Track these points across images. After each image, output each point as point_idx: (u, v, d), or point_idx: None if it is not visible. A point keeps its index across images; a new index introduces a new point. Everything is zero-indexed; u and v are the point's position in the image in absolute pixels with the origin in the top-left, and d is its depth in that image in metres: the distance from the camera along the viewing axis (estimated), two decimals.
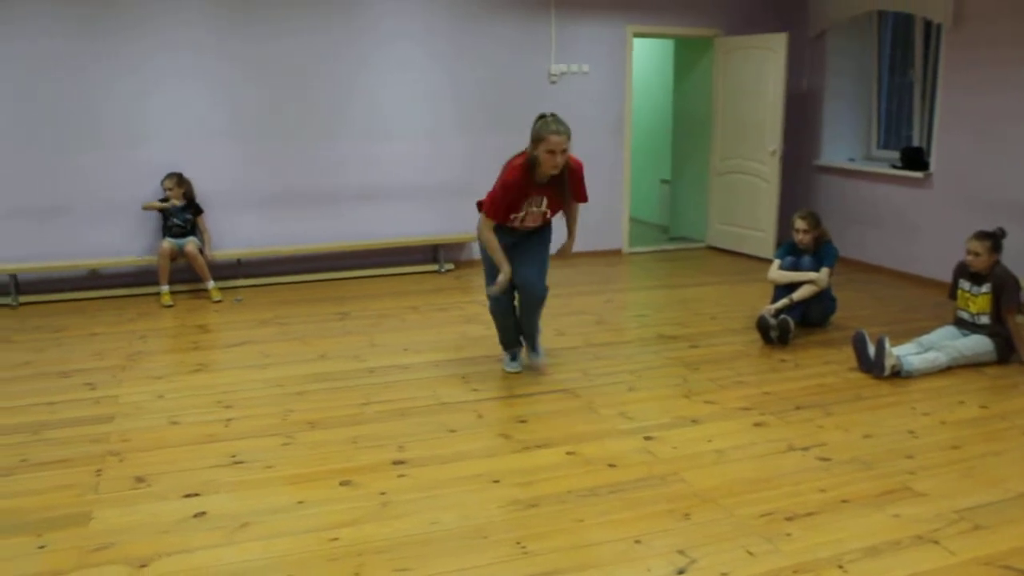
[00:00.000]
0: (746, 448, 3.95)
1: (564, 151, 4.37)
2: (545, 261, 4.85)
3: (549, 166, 4.41)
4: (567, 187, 4.63)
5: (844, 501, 3.42)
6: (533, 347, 5.10)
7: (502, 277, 4.62)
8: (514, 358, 5.08)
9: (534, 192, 4.57)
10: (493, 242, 4.64)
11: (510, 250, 4.73)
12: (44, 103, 6.75)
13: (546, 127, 4.35)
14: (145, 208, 6.93)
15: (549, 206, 4.67)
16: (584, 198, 4.79)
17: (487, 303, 4.91)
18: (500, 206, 4.56)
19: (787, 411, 4.41)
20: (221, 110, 7.18)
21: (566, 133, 4.35)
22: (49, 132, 6.80)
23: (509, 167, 4.56)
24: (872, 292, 7.08)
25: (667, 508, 3.36)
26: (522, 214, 4.64)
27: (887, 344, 4.90)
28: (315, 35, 7.30)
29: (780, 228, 8.28)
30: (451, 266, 7.94)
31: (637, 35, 8.36)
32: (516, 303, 4.95)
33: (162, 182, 6.88)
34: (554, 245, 5.00)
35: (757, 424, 4.24)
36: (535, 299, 4.81)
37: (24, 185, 6.81)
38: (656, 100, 10.33)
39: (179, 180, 6.89)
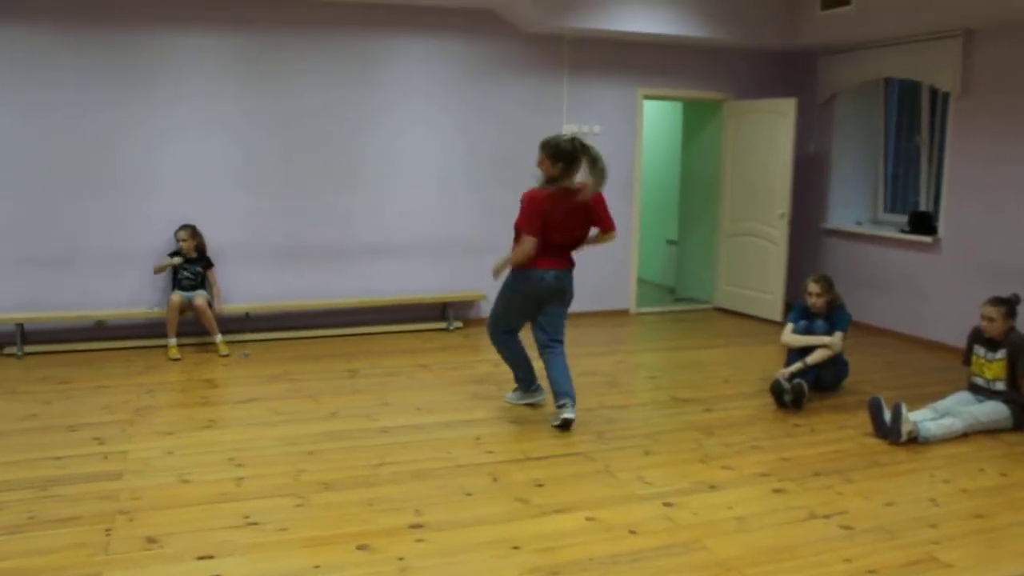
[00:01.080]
0: (767, 515, 3.89)
1: None
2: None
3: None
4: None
5: (871, 572, 3.35)
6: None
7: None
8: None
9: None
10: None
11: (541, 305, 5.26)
12: (55, 151, 6.78)
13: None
14: (157, 271, 6.93)
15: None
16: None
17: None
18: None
19: (806, 477, 4.36)
20: (233, 163, 7.22)
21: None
22: (59, 180, 6.82)
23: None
24: (882, 356, 7.06)
25: None
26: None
27: (904, 410, 4.87)
28: (330, 90, 7.37)
29: (788, 291, 8.29)
30: (459, 324, 7.91)
31: (647, 98, 8.45)
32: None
33: (176, 233, 6.88)
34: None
35: (776, 490, 4.18)
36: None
37: (32, 233, 6.81)
38: (663, 161, 10.41)
39: (193, 232, 6.89)
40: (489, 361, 6.65)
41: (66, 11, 6.66)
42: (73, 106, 6.77)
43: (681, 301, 9.40)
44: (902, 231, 7.69)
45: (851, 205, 8.58)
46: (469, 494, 4.07)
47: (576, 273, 8.27)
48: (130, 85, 6.88)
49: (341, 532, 3.65)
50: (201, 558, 3.41)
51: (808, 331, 5.79)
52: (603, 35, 7.83)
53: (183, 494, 4.05)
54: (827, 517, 3.88)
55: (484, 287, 7.96)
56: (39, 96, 6.68)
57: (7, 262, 6.78)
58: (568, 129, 8.09)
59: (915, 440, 4.87)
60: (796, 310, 5.97)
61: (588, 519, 3.81)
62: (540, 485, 4.19)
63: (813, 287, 5.85)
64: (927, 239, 7.35)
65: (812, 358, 5.68)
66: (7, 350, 6.74)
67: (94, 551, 3.46)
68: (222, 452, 4.62)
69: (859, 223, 8.49)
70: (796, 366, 5.67)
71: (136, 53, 6.85)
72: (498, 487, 4.16)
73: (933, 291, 7.38)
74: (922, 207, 7.91)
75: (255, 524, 3.73)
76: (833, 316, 5.81)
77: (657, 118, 10.43)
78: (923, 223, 7.51)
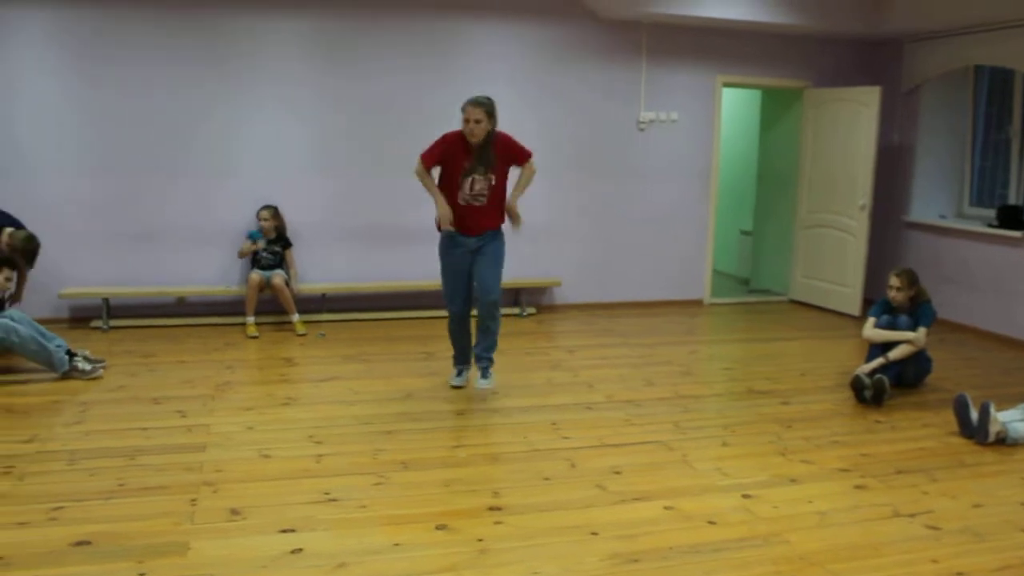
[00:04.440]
0: (849, 512, 3.81)
1: (477, 120, 4.99)
2: (499, 267, 5.31)
3: (467, 133, 5.05)
4: (498, 155, 5.16)
5: (960, 574, 3.27)
6: (483, 373, 5.37)
7: (440, 216, 5.10)
8: (460, 374, 5.59)
9: (471, 156, 5.10)
10: (424, 175, 5.19)
11: (472, 261, 5.27)
12: (139, 130, 6.95)
13: (466, 102, 5.05)
14: (242, 255, 7.08)
15: (493, 173, 5.17)
16: (526, 155, 5.29)
17: (448, 320, 5.50)
18: (431, 148, 5.16)
19: (888, 475, 4.26)
20: (312, 145, 7.31)
21: (482, 105, 5.01)
22: (143, 160, 6.99)
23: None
24: (964, 354, 6.87)
25: (773, 570, 3.25)
26: (469, 178, 5.12)
27: (992, 409, 4.73)
28: (409, 75, 7.41)
29: (868, 284, 8.12)
30: (532, 310, 7.91)
31: (727, 85, 8.32)
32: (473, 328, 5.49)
33: (258, 213, 7.01)
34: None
35: (858, 487, 4.10)
36: (488, 304, 5.21)
37: (119, 211, 7.00)
38: (738, 150, 10.25)
39: (275, 213, 7.01)
40: (563, 348, 6.65)
41: None
42: (156, 86, 6.92)
43: (756, 293, 9.27)
44: (989, 225, 7.46)
45: (934, 198, 8.35)
46: (547, 479, 4.07)
47: (650, 262, 8.30)
48: (212, 66, 7.00)
49: (420, 512, 3.68)
50: (283, 531, 3.47)
51: (891, 326, 5.66)
52: (682, 21, 7.72)
53: (265, 469, 4.13)
54: (912, 516, 3.79)
55: (558, 273, 7.95)
56: (124, 76, 6.84)
57: (96, 239, 6.97)
58: (646, 116, 8.03)
59: (1003, 441, 4.73)
60: (878, 304, 5.84)
61: (667, 508, 3.78)
62: (618, 472, 4.17)
63: (894, 280, 5.71)
64: (1016, 234, 7.12)
65: (894, 353, 5.55)
66: (94, 323, 6.94)
67: (180, 520, 3.55)
68: (301, 429, 4.69)
69: (943, 216, 8.26)
70: (877, 361, 5.55)
71: (219, 35, 6.97)
72: (575, 473, 4.16)
73: (1022, 288, 7.14)
74: (1011, 201, 7.66)
75: (335, 500, 3.78)
76: (917, 311, 5.67)
77: (734, 106, 10.27)
78: (1012, 217, 7.27)
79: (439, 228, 5.23)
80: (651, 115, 8.06)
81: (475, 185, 5.15)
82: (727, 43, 8.19)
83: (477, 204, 5.19)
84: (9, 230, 5.94)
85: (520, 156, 5.28)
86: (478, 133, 5.03)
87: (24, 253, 5.92)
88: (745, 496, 3.94)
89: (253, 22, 7.02)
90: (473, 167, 5.12)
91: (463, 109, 5.04)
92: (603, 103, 7.94)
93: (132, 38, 6.80)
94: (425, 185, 5.22)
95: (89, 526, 3.47)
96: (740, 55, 8.26)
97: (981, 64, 7.58)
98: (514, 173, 5.30)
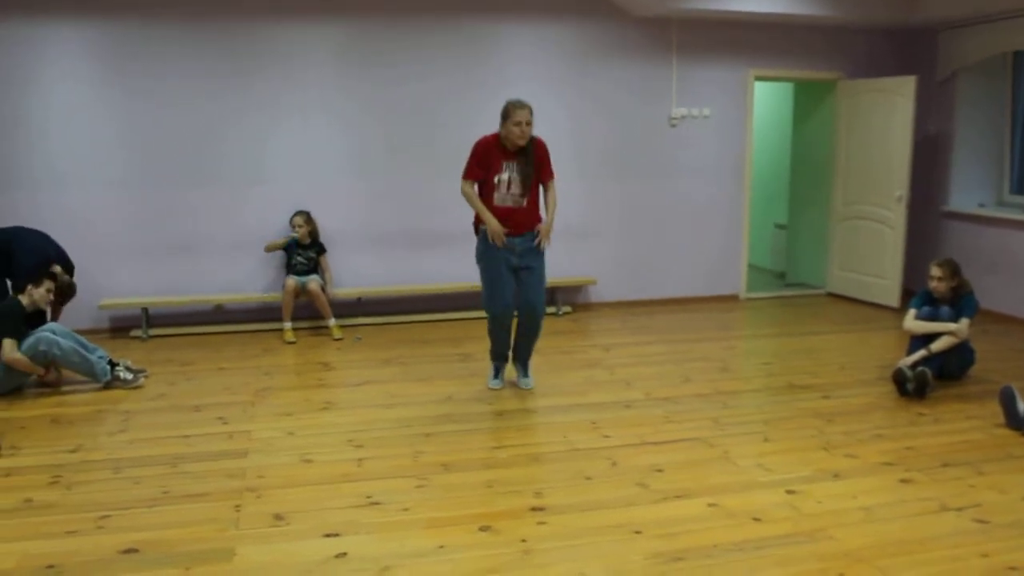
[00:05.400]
0: (895, 506, 3.76)
1: (528, 123, 5.07)
2: (544, 284, 5.40)
3: (516, 136, 5.08)
4: (536, 162, 5.22)
5: (1012, 568, 3.21)
6: (524, 372, 5.60)
7: (492, 233, 5.15)
8: (497, 374, 5.61)
9: (508, 157, 5.17)
10: (473, 195, 5.25)
11: (519, 267, 5.30)
12: (172, 139, 7.02)
13: (512, 105, 5.08)
14: (268, 249, 7.11)
15: (532, 172, 5.22)
16: (551, 173, 5.36)
17: (488, 319, 5.48)
18: (472, 165, 5.21)
19: (934, 468, 4.20)
20: (344, 150, 7.35)
21: (528, 108, 5.08)
22: (177, 168, 7.06)
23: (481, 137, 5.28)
24: (1008, 344, 6.76)
25: (819, 567, 3.21)
26: (506, 177, 5.16)
27: None
28: (439, 78, 7.42)
29: (906, 276, 8.01)
30: (568, 309, 7.90)
31: (759, 78, 8.25)
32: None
33: (291, 219, 7.06)
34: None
35: (903, 481, 4.04)
36: (534, 319, 5.37)
37: (155, 222, 7.08)
38: (772, 143, 10.16)
39: (308, 218, 7.06)
40: (600, 346, 6.62)
41: (179, 2, 6.86)
42: (189, 95, 6.99)
43: (792, 286, 9.18)
44: None
45: (973, 187, 8.23)
46: (588, 478, 4.06)
47: (685, 257, 8.25)
48: (244, 74, 7.06)
49: (463, 513, 3.68)
50: (327, 536, 3.49)
51: (932, 317, 5.58)
52: (712, 15, 7.66)
53: (306, 473, 4.15)
54: (960, 510, 3.73)
55: (593, 271, 7.94)
56: (156, 86, 6.92)
57: (133, 249, 7.06)
58: (678, 112, 7.98)
59: None
60: (919, 295, 5.76)
61: (710, 505, 3.75)
62: (659, 470, 4.15)
63: (936, 271, 5.63)
64: None
65: (937, 345, 5.47)
66: (133, 333, 7.02)
67: (225, 526, 3.58)
68: (341, 433, 4.71)
69: (982, 205, 8.14)
70: (920, 353, 5.48)
71: (250, 43, 7.02)
72: (617, 471, 4.14)
73: None
74: None
75: (377, 504, 3.79)
76: (959, 303, 5.59)
77: (767, 100, 10.19)
78: None
79: (476, 231, 5.28)
80: (683, 111, 8.01)
81: (512, 185, 5.17)
82: (758, 36, 8.13)
83: (516, 205, 5.22)
84: (59, 269, 5.99)
85: (548, 171, 5.34)
86: (528, 134, 5.11)
87: (60, 296, 5.96)
88: (789, 492, 3.90)
89: (284, 30, 7.07)
90: (512, 166, 5.16)
91: (509, 112, 5.06)
92: (635, 100, 7.91)
93: (164, 48, 6.88)
94: (472, 203, 5.25)
95: (136, 534, 3.51)
96: (772, 48, 8.19)
97: (1021, 50, 7.45)
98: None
